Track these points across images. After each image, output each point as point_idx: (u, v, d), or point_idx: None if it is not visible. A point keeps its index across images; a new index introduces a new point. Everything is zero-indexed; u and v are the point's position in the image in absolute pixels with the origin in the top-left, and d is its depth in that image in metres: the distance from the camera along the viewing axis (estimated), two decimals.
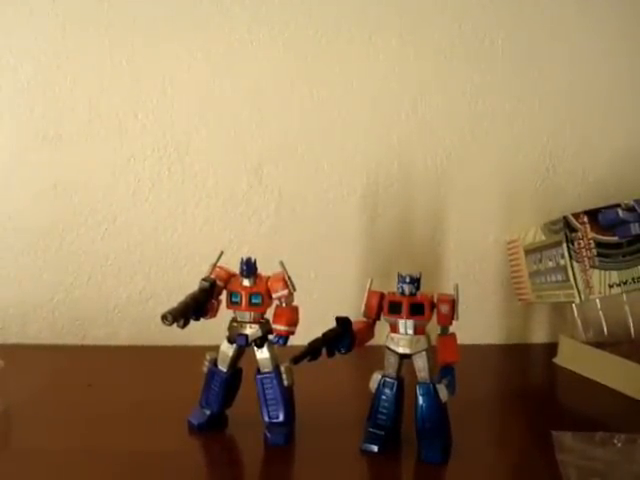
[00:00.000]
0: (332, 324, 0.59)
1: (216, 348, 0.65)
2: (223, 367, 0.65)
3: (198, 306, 0.61)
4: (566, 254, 0.77)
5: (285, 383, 0.63)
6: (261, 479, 0.60)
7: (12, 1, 0.89)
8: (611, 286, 0.77)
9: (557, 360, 0.87)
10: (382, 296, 0.61)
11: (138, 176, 0.92)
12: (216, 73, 0.91)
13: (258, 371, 0.64)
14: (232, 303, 0.63)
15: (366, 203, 0.94)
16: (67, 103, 0.90)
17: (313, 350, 0.58)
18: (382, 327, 0.62)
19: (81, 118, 0.91)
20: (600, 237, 0.77)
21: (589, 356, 0.82)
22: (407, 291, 0.60)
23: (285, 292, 0.63)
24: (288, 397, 0.63)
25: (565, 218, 0.78)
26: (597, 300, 0.84)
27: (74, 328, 0.94)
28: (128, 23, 0.90)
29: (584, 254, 0.77)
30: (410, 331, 0.60)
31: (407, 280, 0.60)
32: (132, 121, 0.91)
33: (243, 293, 0.63)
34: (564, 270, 0.78)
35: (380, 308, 0.61)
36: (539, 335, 0.97)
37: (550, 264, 0.81)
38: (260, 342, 0.63)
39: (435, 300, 0.60)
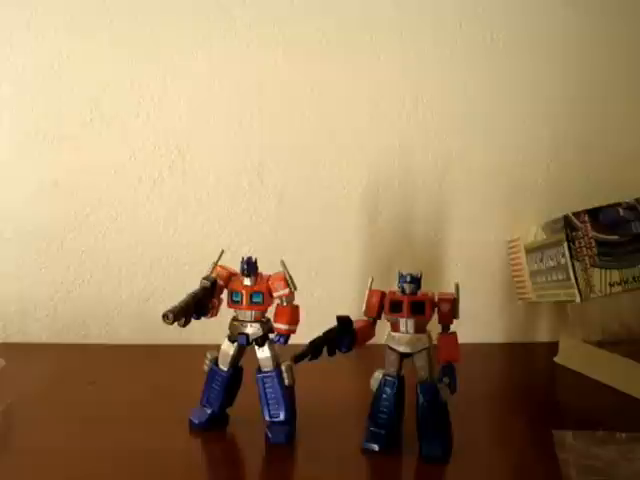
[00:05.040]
0: (333, 323, 0.60)
1: (217, 347, 0.65)
2: (224, 366, 0.65)
3: (199, 305, 0.61)
4: (567, 253, 0.77)
5: (286, 382, 0.63)
6: (262, 478, 0.60)
7: (13, 0, 0.89)
8: (612, 285, 0.76)
9: (558, 359, 0.87)
10: (383, 295, 0.61)
11: (139, 175, 0.92)
12: (217, 72, 0.91)
13: (259, 370, 0.64)
14: (233, 302, 0.64)
15: (367, 202, 0.94)
16: (68, 102, 0.91)
17: (314, 349, 0.58)
18: (383, 326, 0.62)
19: (82, 117, 0.91)
20: (601, 236, 0.77)
21: (590, 355, 0.82)
22: (408, 290, 0.60)
23: (286, 291, 0.63)
24: (289, 396, 0.63)
25: (566, 217, 0.77)
26: (598, 299, 0.83)
27: (75, 327, 0.94)
28: (129, 22, 0.89)
29: (585, 253, 0.77)
30: (411, 330, 0.60)
31: (408, 279, 0.60)
32: (133, 120, 0.91)
33: (244, 292, 0.63)
34: (565, 269, 0.77)
35: (381, 307, 0.61)
36: (540, 334, 0.97)
37: (551, 263, 0.81)
38: (261, 341, 0.63)
39: (436, 299, 0.60)
